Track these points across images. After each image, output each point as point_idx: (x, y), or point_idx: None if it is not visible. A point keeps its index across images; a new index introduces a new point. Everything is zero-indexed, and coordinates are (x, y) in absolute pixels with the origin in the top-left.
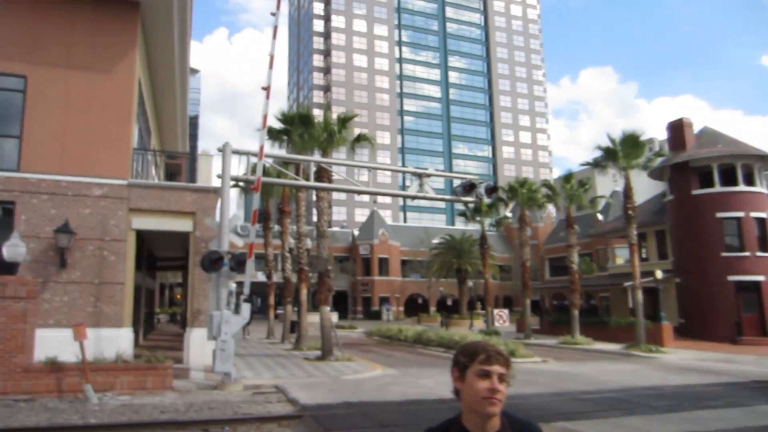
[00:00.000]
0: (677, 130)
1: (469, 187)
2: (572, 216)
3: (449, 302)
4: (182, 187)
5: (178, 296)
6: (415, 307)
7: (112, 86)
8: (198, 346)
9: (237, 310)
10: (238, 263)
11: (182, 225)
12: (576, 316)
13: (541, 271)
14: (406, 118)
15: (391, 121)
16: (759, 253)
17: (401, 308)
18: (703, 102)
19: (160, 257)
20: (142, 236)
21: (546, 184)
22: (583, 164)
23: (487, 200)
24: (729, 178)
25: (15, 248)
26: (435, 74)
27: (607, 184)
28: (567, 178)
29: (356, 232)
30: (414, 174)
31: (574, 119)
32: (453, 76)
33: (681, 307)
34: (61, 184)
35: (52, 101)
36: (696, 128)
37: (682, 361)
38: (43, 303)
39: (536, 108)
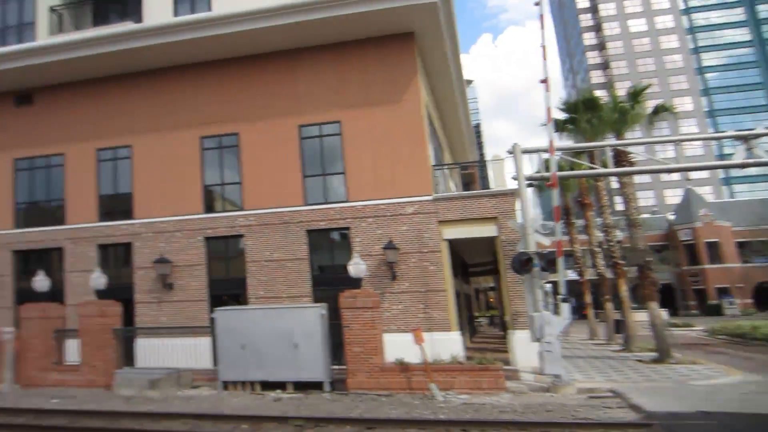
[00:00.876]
0: None
1: None
2: None
3: None
4: (480, 194)
5: (491, 299)
6: (764, 298)
7: (405, 114)
8: (522, 348)
9: (556, 311)
10: (549, 263)
11: (487, 230)
12: None
13: None
14: (709, 75)
15: (690, 84)
16: None
17: (748, 300)
18: None
19: (470, 264)
20: (452, 245)
21: None
22: None
23: None
24: None
25: (358, 266)
26: (738, 14)
27: None
28: None
29: (671, 216)
30: (736, 138)
31: None
32: (764, 10)
33: None
34: (380, 207)
35: (361, 137)
36: None
37: None
38: (384, 311)
39: None
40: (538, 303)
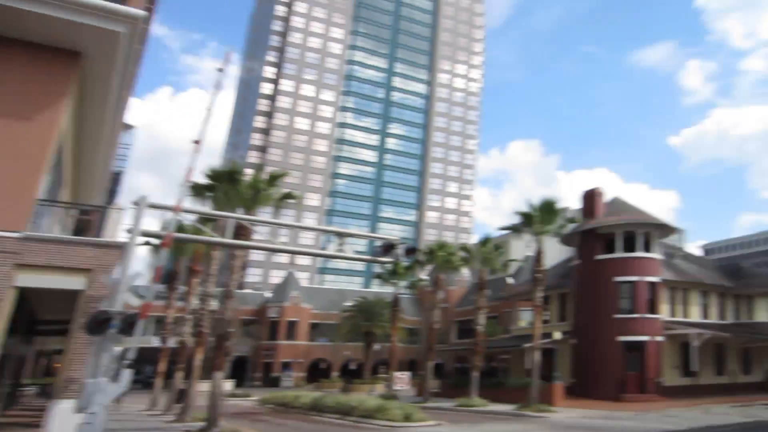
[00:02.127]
0: (590, 199)
1: (388, 248)
2: (485, 279)
3: (353, 366)
4: (83, 241)
5: (58, 364)
6: (317, 372)
7: (30, 135)
8: (63, 420)
9: (116, 377)
10: (129, 325)
11: (74, 282)
12: (475, 378)
13: (447, 334)
14: (339, 181)
15: (324, 184)
16: (647, 315)
17: (303, 374)
18: (615, 175)
19: (43, 320)
20: (25, 296)
21: (463, 247)
22: (502, 228)
23: (405, 261)
24: (629, 244)
25: None
26: (374, 139)
27: (521, 248)
28: (484, 242)
29: (269, 294)
30: (335, 234)
31: (499, 188)
32: (391, 143)
33: (574, 367)
34: None
35: None
36: (608, 199)
37: (568, 420)
38: None
39: (465, 176)
40: (100, 369)
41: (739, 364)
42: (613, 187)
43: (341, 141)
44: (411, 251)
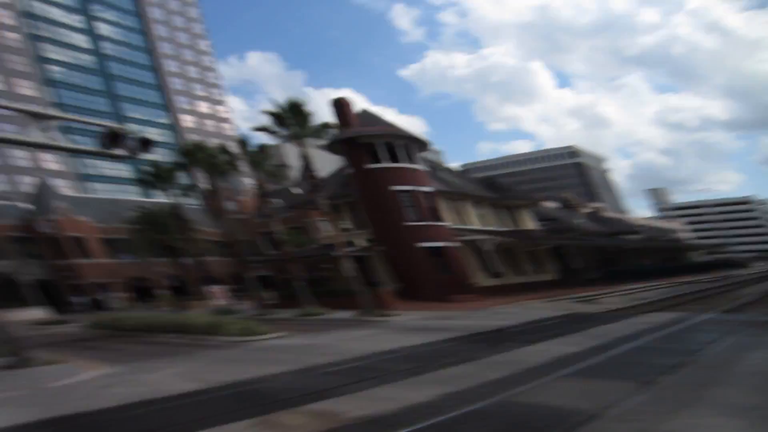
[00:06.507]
0: (340, 107)
1: (113, 137)
2: (264, 185)
3: (177, 284)
4: None
5: None
6: (141, 292)
7: None
8: None
9: None
10: None
11: None
12: (302, 287)
13: (257, 245)
14: (53, 67)
15: (33, 69)
16: (434, 222)
17: (126, 294)
18: (362, 97)
19: None
20: None
21: (223, 149)
22: (255, 129)
23: (141, 154)
24: (392, 155)
25: None
26: (77, 20)
27: (296, 156)
28: (243, 142)
29: (27, 206)
30: (32, 115)
31: (252, 99)
32: (103, 28)
33: (392, 273)
34: None
35: None
36: (357, 111)
37: (411, 322)
38: None
39: (208, 78)
40: None
41: (529, 265)
42: (362, 107)
43: (32, 16)
44: (146, 143)
